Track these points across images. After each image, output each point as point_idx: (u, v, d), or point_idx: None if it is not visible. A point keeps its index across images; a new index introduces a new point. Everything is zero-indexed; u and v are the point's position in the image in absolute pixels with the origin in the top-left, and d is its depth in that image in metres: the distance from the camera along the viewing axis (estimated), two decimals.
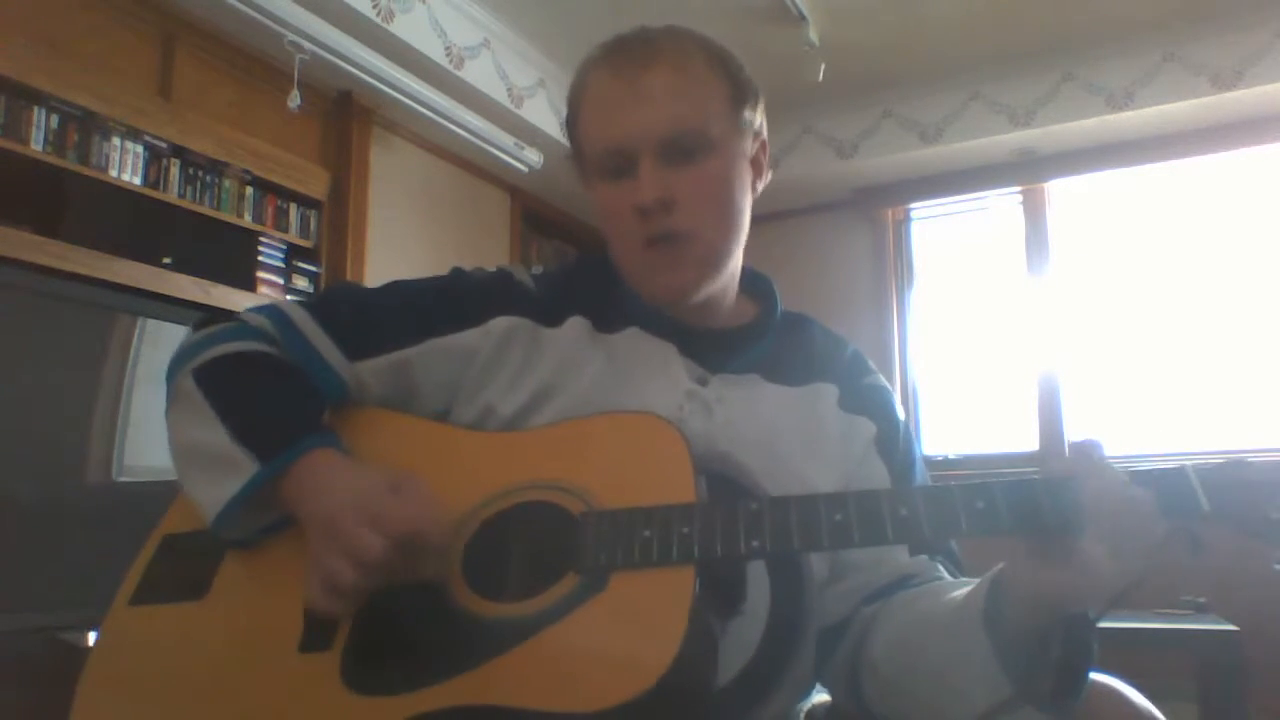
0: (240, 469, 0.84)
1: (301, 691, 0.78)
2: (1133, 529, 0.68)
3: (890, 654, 0.83)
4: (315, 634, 0.80)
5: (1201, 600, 2.90)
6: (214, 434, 0.86)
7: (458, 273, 1.02)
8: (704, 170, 0.92)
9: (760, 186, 1.00)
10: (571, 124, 0.99)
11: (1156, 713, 0.80)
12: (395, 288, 1.01)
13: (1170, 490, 0.70)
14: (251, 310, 0.98)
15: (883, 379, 1.04)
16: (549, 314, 0.96)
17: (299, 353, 0.93)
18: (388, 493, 0.80)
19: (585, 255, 1.10)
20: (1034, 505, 0.70)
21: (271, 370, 0.92)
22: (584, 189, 0.99)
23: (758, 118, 0.98)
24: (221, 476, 0.84)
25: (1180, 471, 0.71)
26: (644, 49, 0.93)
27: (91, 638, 0.90)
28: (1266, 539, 0.68)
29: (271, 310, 0.97)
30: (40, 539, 2.03)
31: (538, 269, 1.03)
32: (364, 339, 0.95)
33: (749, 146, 0.97)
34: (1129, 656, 1.29)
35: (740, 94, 0.95)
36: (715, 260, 0.95)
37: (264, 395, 0.90)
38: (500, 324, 0.95)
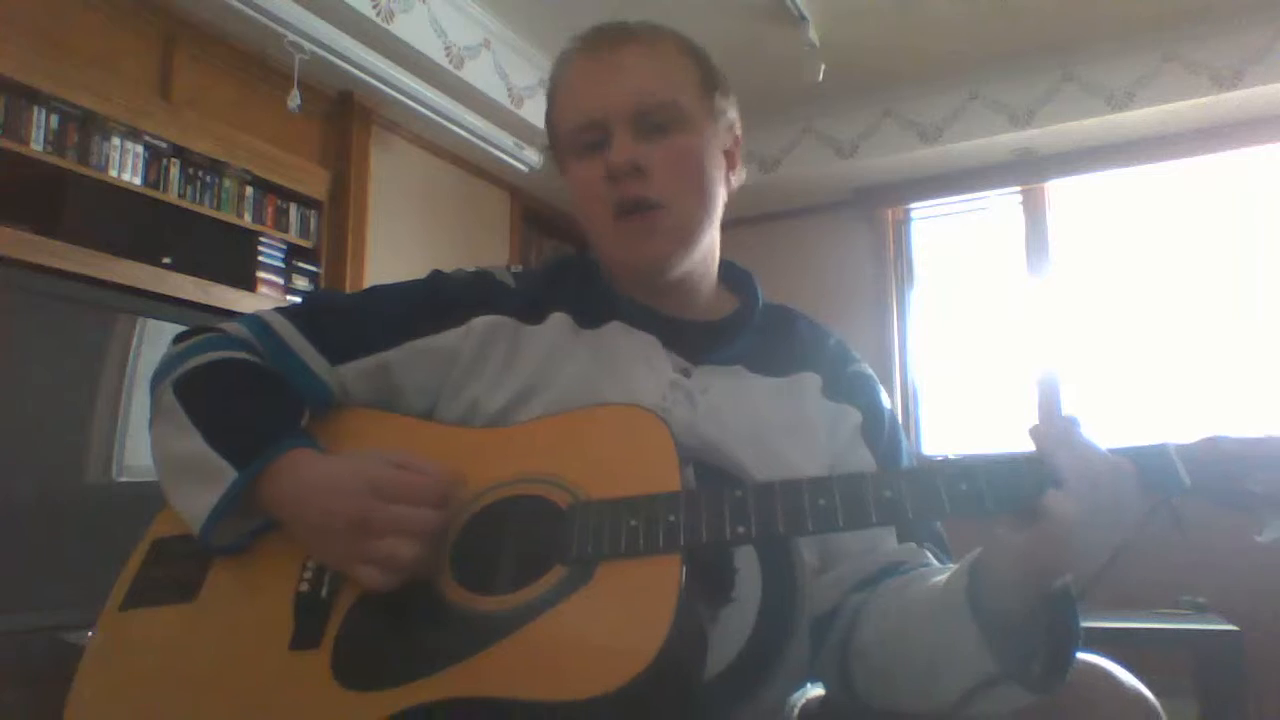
0: (219, 477, 0.84)
1: (293, 688, 0.78)
2: (1115, 501, 0.68)
3: (879, 642, 0.83)
4: (305, 631, 0.81)
5: (1201, 600, 2.90)
6: (193, 443, 0.86)
7: (437, 275, 1.03)
8: (676, 143, 0.94)
9: (735, 181, 1.02)
10: (549, 113, 1.01)
11: (1145, 691, 0.80)
12: (375, 292, 1.02)
13: (1152, 467, 0.71)
14: (232, 321, 0.98)
15: (867, 367, 1.05)
16: (530, 311, 0.97)
17: (280, 359, 0.93)
18: (395, 469, 0.80)
19: (566, 254, 1.11)
20: (1017, 483, 0.71)
21: (249, 377, 0.92)
22: (561, 174, 1.00)
23: (730, 109, 1.00)
24: (203, 486, 0.84)
25: (1161, 448, 0.71)
26: (617, 32, 0.97)
27: None
28: (1247, 511, 0.69)
29: (251, 319, 0.98)
30: (40, 539, 2.03)
31: (517, 268, 1.04)
32: (345, 343, 0.95)
33: (722, 134, 0.99)
34: (1129, 656, 1.29)
35: (711, 79, 0.98)
36: (687, 233, 0.95)
37: (241, 402, 0.90)
38: (481, 323, 0.95)
